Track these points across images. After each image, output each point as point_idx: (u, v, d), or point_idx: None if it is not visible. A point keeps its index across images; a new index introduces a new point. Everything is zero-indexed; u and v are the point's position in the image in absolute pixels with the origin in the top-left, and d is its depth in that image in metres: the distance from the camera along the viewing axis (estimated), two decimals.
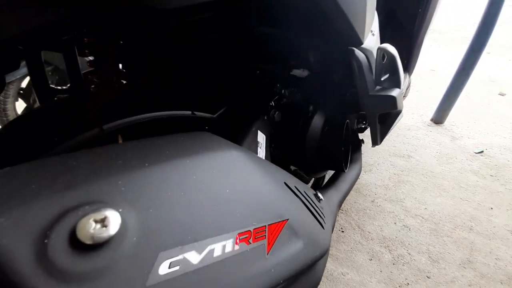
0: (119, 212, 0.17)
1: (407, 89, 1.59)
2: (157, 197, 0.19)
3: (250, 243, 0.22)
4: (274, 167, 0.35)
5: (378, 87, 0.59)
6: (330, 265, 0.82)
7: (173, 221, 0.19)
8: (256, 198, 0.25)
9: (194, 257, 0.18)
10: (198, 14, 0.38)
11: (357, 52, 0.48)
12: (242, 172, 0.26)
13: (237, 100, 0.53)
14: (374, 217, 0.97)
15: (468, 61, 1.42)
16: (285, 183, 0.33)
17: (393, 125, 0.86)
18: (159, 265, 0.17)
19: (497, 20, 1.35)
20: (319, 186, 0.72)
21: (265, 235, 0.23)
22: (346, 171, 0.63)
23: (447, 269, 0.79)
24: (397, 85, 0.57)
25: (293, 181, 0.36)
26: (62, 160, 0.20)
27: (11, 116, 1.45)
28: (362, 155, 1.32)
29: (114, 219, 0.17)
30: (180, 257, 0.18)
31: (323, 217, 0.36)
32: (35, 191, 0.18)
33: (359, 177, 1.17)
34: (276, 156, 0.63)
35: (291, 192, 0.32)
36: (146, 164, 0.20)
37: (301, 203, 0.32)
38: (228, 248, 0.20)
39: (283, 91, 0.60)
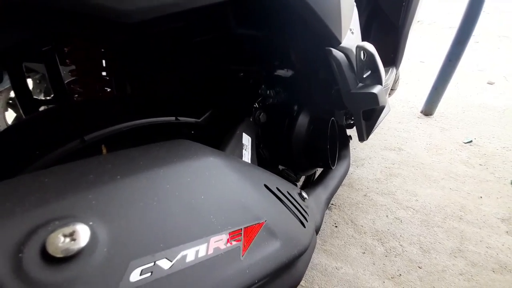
0: (89, 225, 0.18)
1: (396, 82, 1.61)
2: (128, 208, 0.20)
3: (225, 246, 0.22)
4: (254, 170, 0.35)
5: (360, 84, 0.60)
6: (325, 260, 0.83)
7: (144, 230, 0.19)
8: (232, 203, 0.25)
9: (165, 264, 0.19)
10: (170, 23, 0.38)
11: (335, 52, 0.49)
12: (218, 177, 0.26)
13: (221, 103, 0.53)
14: (367, 210, 0.99)
15: (454, 53, 1.44)
16: (265, 185, 0.34)
17: (379, 121, 0.87)
18: (130, 273, 0.18)
19: (480, 10, 1.36)
20: (309, 184, 0.73)
21: (240, 238, 0.24)
22: (333, 168, 0.64)
23: (438, 258, 0.81)
24: (379, 81, 0.58)
25: (275, 182, 0.37)
26: (35, 178, 0.20)
27: (1, 126, 1.44)
28: (354, 150, 1.34)
29: (83, 232, 0.17)
30: (151, 264, 0.18)
31: (305, 215, 0.37)
32: (9, 209, 0.18)
33: (352, 172, 1.19)
34: (264, 156, 0.63)
35: (271, 194, 0.33)
36: (118, 177, 0.21)
37: (281, 203, 0.33)
38: (202, 253, 0.21)
39: (268, 91, 0.61)
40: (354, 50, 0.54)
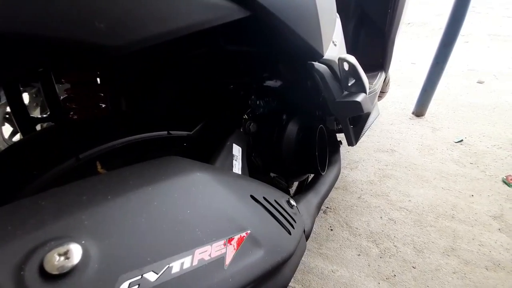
0: (82, 244, 0.20)
1: (386, 85, 1.64)
2: (118, 226, 0.21)
3: (209, 257, 0.24)
4: (241, 181, 0.37)
5: (345, 92, 0.62)
6: (321, 264, 0.84)
7: (132, 246, 0.21)
8: (217, 215, 0.27)
9: (152, 276, 0.21)
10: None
11: (317, 65, 0.52)
12: (204, 192, 0.28)
13: (212, 115, 0.55)
14: (361, 213, 1.01)
15: (441, 55, 1.47)
16: (251, 195, 0.35)
17: (367, 125, 0.90)
18: (119, 286, 0.19)
19: (466, 12, 1.39)
20: (301, 189, 0.75)
21: (225, 249, 0.26)
22: (324, 173, 0.66)
23: (431, 258, 0.83)
24: (363, 89, 0.60)
25: (262, 192, 0.39)
26: (33, 201, 0.22)
27: None
28: (348, 153, 1.37)
29: (76, 251, 0.19)
30: (138, 277, 0.20)
31: (291, 222, 0.39)
32: (11, 232, 0.20)
33: (346, 175, 1.21)
34: (257, 164, 0.65)
35: (257, 204, 0.35)
36: (109, 197, 0.23)
37: (267, 212, 0.35)
38: (187, 265, 0.23)
39: (258, 102, 0.63)
40: (337, 61, 0.56)
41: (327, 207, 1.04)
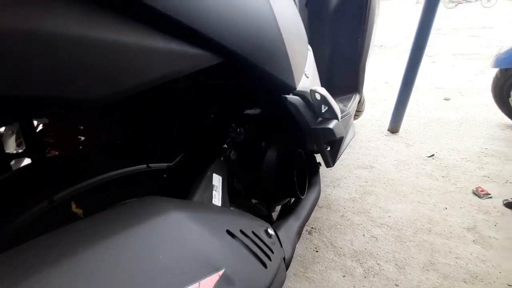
0: None
1: (362, 105, 1.74)
2: (88, 279, 0.22)
3: None
4: (218, 216, 0.38)
5: (320, 119, 0.67)
6: None
7: None
8: (191, 257, 0.28)
9: None
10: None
11: (290, 97, 0.56)
12: (178, 234, 0.29)
13: (193, 146, 0.57)
14: (345, 231, 1.03)
15: (408, 76, 1.59)
16: (227, 230, 0.37)
17: (343, 147, 0.95)
18: None
19: (428, 35, 1.47)
20: (282, 214, 0.76)
21: None
22: (303, 197, 0.68)
23: (412, 274, 0.85)
24: (335, 116, 0.65)
25: (240, 224, 0.40)
26: (2, 259, 0.22)
27: None
28: (330, 171, 1.41)
29: None
30: None
31: (269, 254, 0.40)
32: None
33: (329, 193, 1.24)
34: (239, 189, 0.67)
35: (233, 239, 0.36)
36: (79, 249, 0.23)
37: (243, 247, 0.36)
38: None
39: (238, 129, 0.66)
40: (309, 92, 0.61)
41: (312, 228, 1.05)
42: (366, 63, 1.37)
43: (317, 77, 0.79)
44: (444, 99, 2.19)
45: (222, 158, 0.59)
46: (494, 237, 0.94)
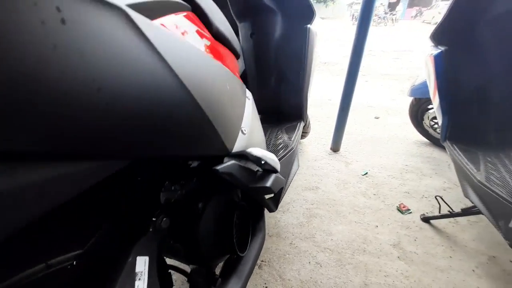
0: None
1: (308, 127, 1.86)
2: None
3: None
4: None
5: (258, 173, 0.67)
6: None
7: None
8: None
9: None
10: None
11: (222, 168, 0.52)
12: None
13: (112, 223, 0.48)
14: (293, 260, 1.07)
15: (345, 101, 1.77)
16: None
17: (288, 184, 0.98)
18: None
19: (362, 54, 1.59)
20: (224, 274, 0.70)
21: None
22: (244, 254, 0.67)
23: None
24: (273, 169, 0.66)
25: None
26: None
27: None
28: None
29: None
30: None
31: None
32: None
33: (279, 219, 1.28)
34: (177, 250, 0.61)
35: None
36: None
37: None
38: None
39: (173, 187, 0.60)
40: (245, 153, 0.60)
41: (262, 261, 1.06)
42: (309, 93, 1.48)
43: (258, 127, 0.80)
44: (375, 118, 2.51)
45: (151, 230, 0.51)
46: (415, 252, 1.09)
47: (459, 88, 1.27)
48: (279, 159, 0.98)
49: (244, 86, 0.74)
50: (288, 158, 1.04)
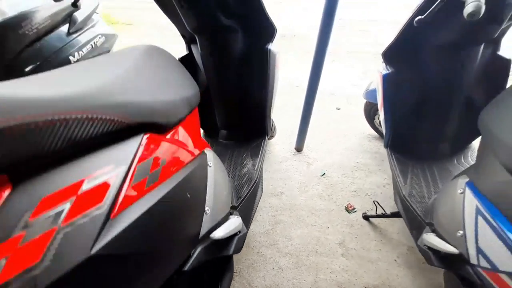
0: None
1: (273, 131, 1.97)
2: None
3: None
4: None
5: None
6: None
7: None
8: None
9: None
10: None
11: (189, 264, 0.64)
12: None
13: None
14: (259, 268, 1.30)
15: (309, 102, 1.85)
16: None
17: (252, 213, 1.14)
18: None
19: (332, 26, 1.45)
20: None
21: None
22: None
23: None
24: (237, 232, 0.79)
25: None
26: None
27: None
28: None
29: None
30: None
31: None
32: None
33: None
34: None
35: None
36: None
37: None
38: None
39: None
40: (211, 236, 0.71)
41: (234, 272, 1.27)
42: (272, 109, 1.56)
43: (222, 184, 0.89)
44: (336, 109, 2.68)
45: None
46: (354, 248, 1.39)
47: (400, 105, 1.45)
48: (244, 198, 1.11)
49: (206, 155, 0.82)
50: (253, 193, 1.18)
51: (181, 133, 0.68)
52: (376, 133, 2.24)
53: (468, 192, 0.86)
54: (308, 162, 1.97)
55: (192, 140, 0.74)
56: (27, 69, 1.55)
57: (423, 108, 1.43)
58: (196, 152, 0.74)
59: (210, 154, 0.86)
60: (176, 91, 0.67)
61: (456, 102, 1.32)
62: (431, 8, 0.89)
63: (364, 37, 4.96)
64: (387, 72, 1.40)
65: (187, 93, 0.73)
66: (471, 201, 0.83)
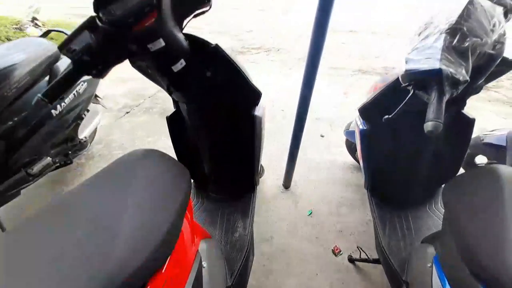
0: None
1: (262, 172, 2.02)
2: None
3: None
4: None
5: None
6: None
7: None
8: None
9: None
10: None
11: None
12: None
13: None
14: None
15: (298, 126, 1.88)
16: None
17: None
18: None
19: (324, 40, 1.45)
20: None
21: None
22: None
23: None
24: None
25: None
26: None
27: None
28: None
29: None
30: None
31: None
32: None
33: None
34: None
35: None
36: None
37: None
38: None
39: None
40: None
41: None
42: (260, 164, 1.61)
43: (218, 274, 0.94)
44: (320, 136, 2.78)
45: None
46: None
47: (376, 155, 1.55)
48: (237, 272, 1.16)
49: (200, 260, 0.85)
50: (245, 263, 1.23)
51: (174, 259, 0.70)
52: (358, 164, 2.36)
53: (435, 270, 0.96)
54: (295, 200, 2.05)
55: (187, 253, 0.77)
56: (6, 126, 1.47)
57: (396, 159, 1.54)
58: (190, 265, 0.77)
59: (203, 252, 0.90)
60: (165, 223, 0.67)
61: (425, 155, 1.44)
62: (398, 108, 0.97)
63: (343, 49, 5.10)
64: (363, 128, 1.50)
65: (175, 220, 0.69)
66: (437, 280, 0.93)
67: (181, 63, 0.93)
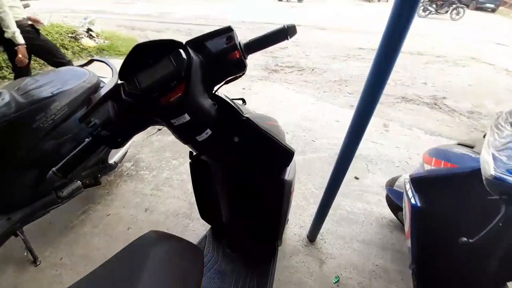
0: None
1: (286, 221, 1.81)
2: None
3: None
4: None
5: None
6: None
7: None
8: None
9: None
10: None
11: None
12: None
13: None
14: None
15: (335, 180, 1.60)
16: None
17: None
18: None
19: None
20: None
21: None
22: None
23: None
24: None
25: None
26: None
27: None
28: None
29: None
30: None
31: None
32: None
33: None
34: None
35: None
36: None
37: None
38: None
39: None
40: None
41: None
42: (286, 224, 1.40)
43: None
44: (354, 178, 2.48)
45: None
46: None
47: (429, 237, 1.26)
48: None
49: None
50: None
51: None
52: (399, 222, 2.03)
53: None
54: (321, 259, 1.79)
55: None
56: (40, 154, 1.48)
57: (455, 247, 1.23)
58: None
59: None
60: None
61: (495, 250, 1.12)
62: (483, 232, 0.73)
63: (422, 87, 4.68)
64: (416, 204, 1.22)
65: None
66: None
67: (207, 133, 0.80)
